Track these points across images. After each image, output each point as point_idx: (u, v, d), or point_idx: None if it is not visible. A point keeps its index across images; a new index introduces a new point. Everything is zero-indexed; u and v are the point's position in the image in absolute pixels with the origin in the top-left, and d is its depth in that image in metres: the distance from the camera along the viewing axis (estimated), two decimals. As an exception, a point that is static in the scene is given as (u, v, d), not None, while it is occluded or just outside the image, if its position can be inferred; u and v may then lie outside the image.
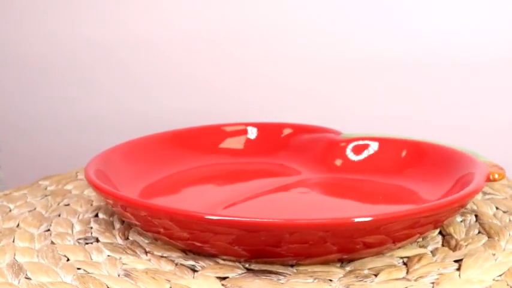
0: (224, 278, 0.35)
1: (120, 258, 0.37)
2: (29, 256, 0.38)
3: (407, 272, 0.36)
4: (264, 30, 0.63)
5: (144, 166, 0.49)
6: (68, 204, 0.46)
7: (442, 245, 0.39)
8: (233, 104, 0.65)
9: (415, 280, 0.35)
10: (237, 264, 0.37)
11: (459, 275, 0.35)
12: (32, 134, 0.68)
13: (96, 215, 0.44)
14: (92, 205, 0.45)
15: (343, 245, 0.35)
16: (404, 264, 0.37)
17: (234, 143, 0.54)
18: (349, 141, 0.51)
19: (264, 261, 0.37)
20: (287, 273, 0.36)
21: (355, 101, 0.64)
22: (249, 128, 0.55)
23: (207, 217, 0.34)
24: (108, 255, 0.38)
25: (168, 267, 0.37)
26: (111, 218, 0.43)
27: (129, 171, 0.47)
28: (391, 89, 0.63)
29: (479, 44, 0.61)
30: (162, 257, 0.38)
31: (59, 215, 0.44)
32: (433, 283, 0.34)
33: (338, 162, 0.50)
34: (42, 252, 0.38)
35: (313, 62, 0.63)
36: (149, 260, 0.37)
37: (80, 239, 0.40)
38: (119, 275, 0.35)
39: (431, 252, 0.38)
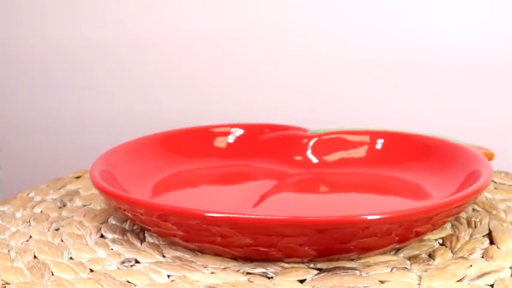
0: (302, 281, 0.35)
1: (186, 275, 0.35)
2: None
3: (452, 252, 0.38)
4: (264, 30, 0.63)
5: (147, 166, 0.48)
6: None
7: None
8: (233, 104, 0.65)
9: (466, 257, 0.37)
10: (303, 265, 0.36)
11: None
12: (32, 134, 0.68)
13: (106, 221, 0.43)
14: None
15: (402, 235, 0.36)
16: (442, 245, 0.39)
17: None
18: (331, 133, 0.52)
19: (329, 259, 0.37)
20: (357, 267, 0.36)
21: (356, 100, 0.64)
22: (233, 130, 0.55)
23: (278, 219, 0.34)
24: (170, 275, 0.35)
25: (240, 277, 0.35)
26: (123, 225, 0.43)
27: (133, 171, 0.47)
28: (391, 89, 0.63)
29: (479, 44, 0.61)
30: (223, 269, 0.36)
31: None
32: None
33: (329, 157, 0.51)
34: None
35: (314, 62, 0.63)
36: (214, 273, 0.36)
37: (123, 262, 0.37)
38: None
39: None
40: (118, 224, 0.43)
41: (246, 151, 0.53)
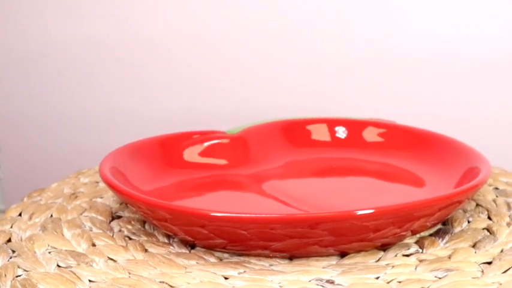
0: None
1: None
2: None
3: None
4: (264, 30, 0.63)
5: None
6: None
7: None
8: (233, 104, 0.65)
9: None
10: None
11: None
12: (32, 134, 0.68)
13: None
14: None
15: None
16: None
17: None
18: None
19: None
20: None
21: (356, 99, 0.64)
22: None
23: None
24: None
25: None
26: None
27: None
28: (391, 88, 0.63)
29: (479, 44, 0.61)
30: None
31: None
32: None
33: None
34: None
35: (314, 62, 0.64)
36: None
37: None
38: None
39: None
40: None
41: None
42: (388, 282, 0.33)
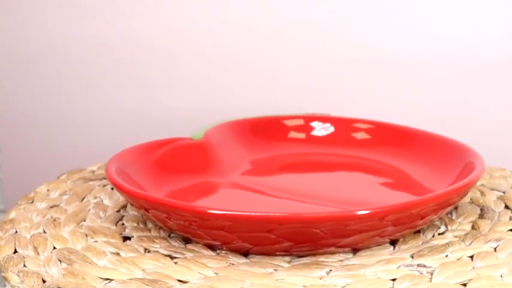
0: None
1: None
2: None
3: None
4: (263, 29, 0.63)
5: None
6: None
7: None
8: (233, 103, 0.65)
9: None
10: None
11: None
12: (32, 134, 0.68)
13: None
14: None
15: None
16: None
17: None
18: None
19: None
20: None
21: (355, 99, 0.64)
22: None
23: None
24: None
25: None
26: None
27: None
28: (390, 88, 0.63)
29: (478, 44, 0.61)
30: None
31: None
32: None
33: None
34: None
35: (313, 61, 0.64)
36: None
37: None
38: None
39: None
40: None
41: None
42: (470, 257, 0.37)
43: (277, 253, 0.37)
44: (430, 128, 0.62)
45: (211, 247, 0.38)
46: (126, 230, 0.41)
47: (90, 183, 0.48)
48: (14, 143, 0.68)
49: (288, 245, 0.36)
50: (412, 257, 0.37)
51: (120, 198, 0.45)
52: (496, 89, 0.62)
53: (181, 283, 0.34)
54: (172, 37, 0.65)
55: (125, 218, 0.42)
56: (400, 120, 0.61)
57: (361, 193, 0.45)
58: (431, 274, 0.35)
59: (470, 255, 0.37)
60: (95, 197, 0.46)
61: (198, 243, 0.38)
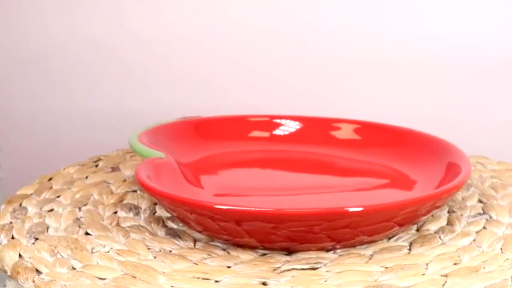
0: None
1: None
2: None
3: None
4: (262, 30, 0.64)
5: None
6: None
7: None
8: (232, 104, 0.65)
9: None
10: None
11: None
12: (32, 133, 0.69)
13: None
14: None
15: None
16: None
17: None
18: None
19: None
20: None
21: (354, 99, 0.64)
22: None
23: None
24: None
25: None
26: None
27: None
28: (390, 88, 0.63)
29: (478, 45, 0.61)
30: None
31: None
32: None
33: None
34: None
35: (312, 62, 0.64)
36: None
37: None
38: None
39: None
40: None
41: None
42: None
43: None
44: (429, 128, 0.62)
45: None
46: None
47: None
48: (14, 143, 0.69)
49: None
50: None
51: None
52: (496, 89, 0.62)
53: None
54: (171, 37, 0.65)
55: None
56: (398, 122, 0.61)
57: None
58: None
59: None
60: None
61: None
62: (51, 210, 0.43)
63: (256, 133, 0.53)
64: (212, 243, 0.39)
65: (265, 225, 0.35)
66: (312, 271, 0.35)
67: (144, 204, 0.44)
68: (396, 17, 0.62)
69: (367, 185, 0.46)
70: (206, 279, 0.34)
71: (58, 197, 0.45)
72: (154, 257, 0.37)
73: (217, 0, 0.64)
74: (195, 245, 0.38)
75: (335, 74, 0.64)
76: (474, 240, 0.39)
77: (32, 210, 0.42)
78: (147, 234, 0.39)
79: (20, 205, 0.43)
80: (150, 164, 0.41)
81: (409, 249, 0.38)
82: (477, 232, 0.40)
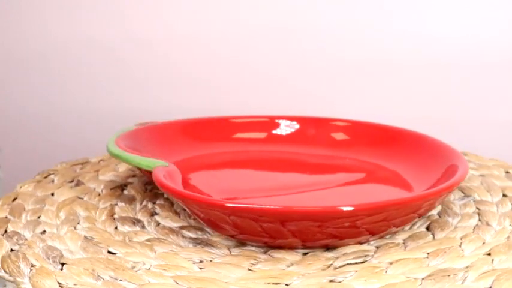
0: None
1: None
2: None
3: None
4: (261, 30, 0.64)
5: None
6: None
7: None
8: (231, 104, 0.66)
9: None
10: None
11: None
12: (32, 133, 0.68)
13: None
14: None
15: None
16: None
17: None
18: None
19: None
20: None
21: (353, 100, 0.64)
22: None
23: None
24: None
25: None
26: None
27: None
28: (389, 88, 0.64)
29: (478, 45, 0.61)
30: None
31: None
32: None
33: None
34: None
35: (310, 62, 0.64)
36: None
37: None
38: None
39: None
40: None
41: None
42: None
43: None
44: (430, 127, 0.62)
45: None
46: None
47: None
48: (14, 143, 0.68)
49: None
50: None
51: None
52: (496, 89, 0.62)
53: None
54: (171, 37, 0.65)
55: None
56: (397, 123, 0.62)
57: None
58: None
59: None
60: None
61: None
62: (48, 232, 0.40)
63: (239, 135, 0.54)
64: (245, 247, 0.39)
65: (312, 224, 0.36)
66: (365, 264, 0.37)
67: (143, 216, 0.43)
68: (396, 17, 0.62)
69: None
70: (276, 283, 0.34)
71: (39, 217, 0.42)
72: (201, 268, 0.36)
73: (217, 0, 0.64)
74: (230, 252, 0.39)
75: (334, 74, 0.64)
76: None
77: (27, 234, 0.40)
78: (174, 246, 0.39)
79: (12, 231, 0.40)
80: (165, 172, 0.40)
81: (433, 235, 0.40)
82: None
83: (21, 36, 0.66)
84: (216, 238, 0.40)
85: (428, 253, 0.38)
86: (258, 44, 0.64)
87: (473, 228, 0.41)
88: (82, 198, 0.45)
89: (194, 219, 0.42)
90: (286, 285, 0.34)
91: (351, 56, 0.63)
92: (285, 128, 0.54)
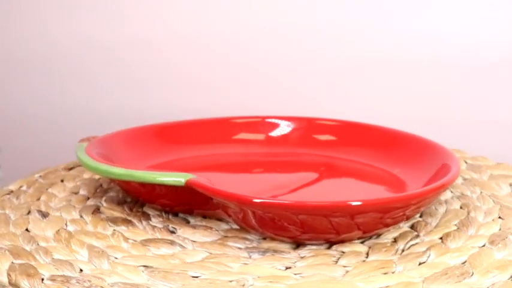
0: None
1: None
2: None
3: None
4: (260, 30, 0.64)
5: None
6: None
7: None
8: (231, 103, 0.66)
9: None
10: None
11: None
12: (32, 133, 0.68)
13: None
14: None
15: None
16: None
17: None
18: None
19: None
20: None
21: (353, 100, 0.64)
22: None
23: None
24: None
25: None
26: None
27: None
28: (389, 89, 0.63)
29: (478, 45, 0.61)
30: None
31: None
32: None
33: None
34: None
35: (309, 62, 0.64)
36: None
37: None
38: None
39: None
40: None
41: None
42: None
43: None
44: (429, 128, 0.62)
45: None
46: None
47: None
48: (14, 143, 0.68)
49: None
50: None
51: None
52: (496, 89, 0.62)
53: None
54: (171, 37, 0.65)
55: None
56: (398, 120, 0.62)
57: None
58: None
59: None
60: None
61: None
62: (59, 259, 0.37)
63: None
64: (268, 243, 0.40)
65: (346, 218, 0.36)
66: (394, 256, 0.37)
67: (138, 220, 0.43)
68: (395, 17, 0.62)
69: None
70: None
71: (37, 247, 0.39)
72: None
73: (217, 0, 0.64)
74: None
75: (334, 74, 0.64)
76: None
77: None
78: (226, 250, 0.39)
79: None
80: (206, 180, 0.40)
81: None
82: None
83: (21, 36, 0.66)
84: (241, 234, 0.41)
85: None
86: (258, 44, 0.64)
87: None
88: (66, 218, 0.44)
89: (243, 222, 0.40)
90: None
91: (350, 56, 0.63)
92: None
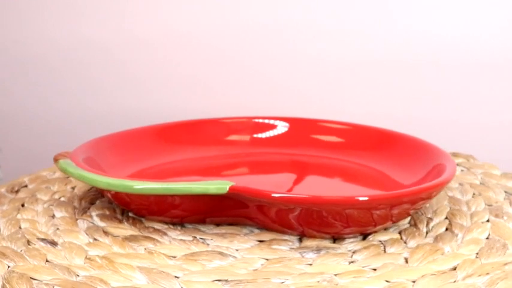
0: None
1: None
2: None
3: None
4: (260, 30, 0.64)
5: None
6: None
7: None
8: (232, 103, 0.66)
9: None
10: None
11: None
12: (32, 134, 0.68)
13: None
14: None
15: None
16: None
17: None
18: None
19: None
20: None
21: (352, 100, 0.64)
22: None
23: None
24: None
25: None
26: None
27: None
28: (389, 89, 0.64)
29: (478, 44, 0.61)
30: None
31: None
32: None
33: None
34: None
35: (308, 62, 0.64)
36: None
37: None
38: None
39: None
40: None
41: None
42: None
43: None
44: (429, 128, 0.62)
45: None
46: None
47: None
48: (14, 143, 0.68)
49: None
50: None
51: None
52: (496, 89, 0.62)
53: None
54: (171, 37, 0.65)
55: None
56: (397, 120, 0.62)
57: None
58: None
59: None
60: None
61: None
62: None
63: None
64: (307, 242, 0.40)
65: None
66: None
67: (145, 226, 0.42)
68: (395, 17, 0.62)
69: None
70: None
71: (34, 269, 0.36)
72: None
73: (217, 0, 0.64)
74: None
75: (334, 74, 0.64)
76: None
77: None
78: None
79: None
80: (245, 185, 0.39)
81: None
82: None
83: (21, 36, 0.66)
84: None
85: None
86: (258, 44, 0.64)
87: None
88: (58, 226, 0.43)
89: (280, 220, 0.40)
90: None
91: (351, 56, 0.63)
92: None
